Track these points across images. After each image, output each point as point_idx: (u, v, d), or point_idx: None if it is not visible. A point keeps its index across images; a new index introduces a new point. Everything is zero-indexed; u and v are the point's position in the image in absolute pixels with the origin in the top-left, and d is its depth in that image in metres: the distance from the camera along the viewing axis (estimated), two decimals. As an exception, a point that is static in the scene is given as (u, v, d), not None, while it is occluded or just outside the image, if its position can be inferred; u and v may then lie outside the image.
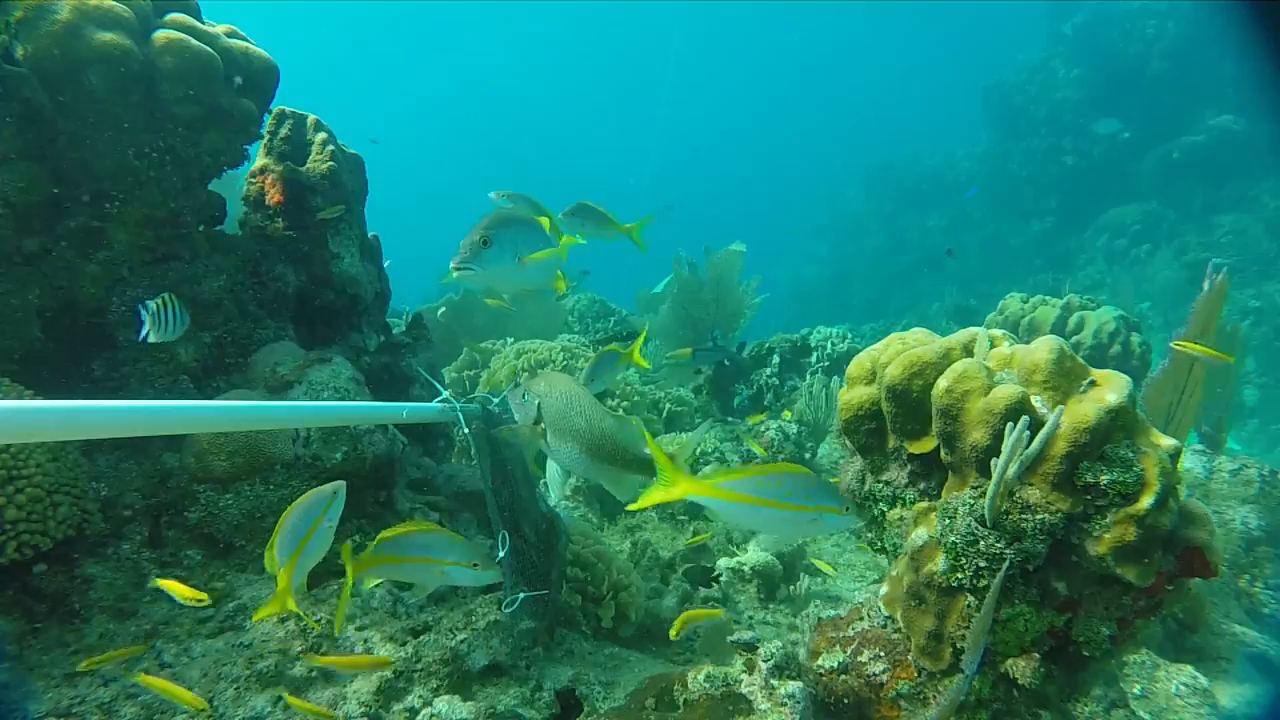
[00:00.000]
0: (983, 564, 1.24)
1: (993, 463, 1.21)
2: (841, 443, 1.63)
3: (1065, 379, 1.27)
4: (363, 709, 1.68)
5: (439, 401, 1.90)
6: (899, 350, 1.45)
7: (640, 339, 2.07)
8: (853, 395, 1.52)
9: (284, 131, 2.58)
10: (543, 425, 1.55)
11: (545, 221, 1.75)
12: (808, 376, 4.52)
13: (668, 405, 4.44)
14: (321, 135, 2.64)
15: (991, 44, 16.26)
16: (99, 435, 1.04)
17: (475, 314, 6.06)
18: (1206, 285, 2.93)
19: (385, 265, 2.92)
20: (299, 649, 1.74)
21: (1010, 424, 1.19)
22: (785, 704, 1.51)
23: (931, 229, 12.76)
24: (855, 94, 28.76)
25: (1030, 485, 1.23)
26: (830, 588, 2.94)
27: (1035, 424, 1.25)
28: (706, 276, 5.29)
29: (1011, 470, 1.18)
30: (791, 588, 2.86)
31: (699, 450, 3.74)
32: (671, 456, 1.28)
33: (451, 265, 1.60)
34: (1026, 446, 1.18)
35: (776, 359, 4.81)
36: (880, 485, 1.53)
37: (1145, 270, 8.80)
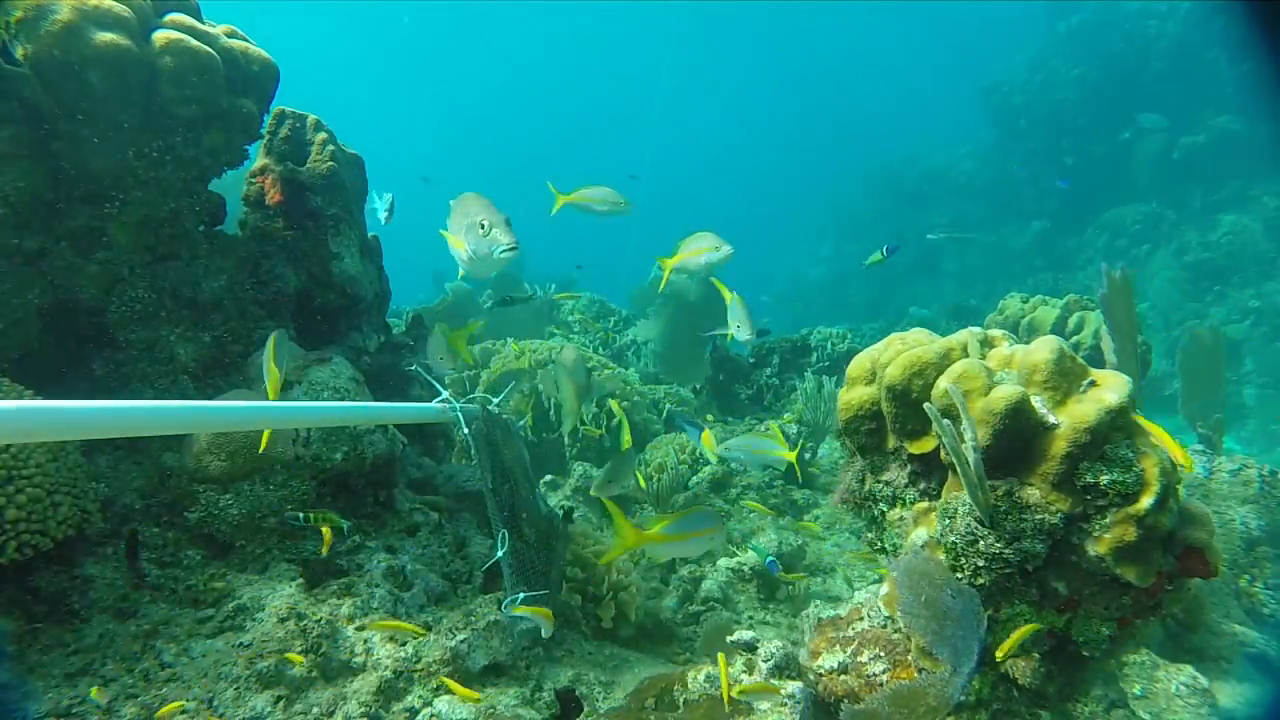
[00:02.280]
0: (981, 563, 1.24)
1: (947, 458, 1.21)
2: (842, 443, 1.63)
3: (1065, 379, 1.27)
4: (363, 709, 1.68)
5: (439, 402, 1.90)
6: (899, 350, 1.45)
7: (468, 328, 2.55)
8: (853, 395, 1.53)
9: (284, 131, 2.58)
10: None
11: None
12: (807, 376, 4.52)
13: (668, 405, 4.44)
14: (322, 135, 2.64)
15: (992, 44, 16.26)
16: (99, 435, 1.04)
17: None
18: (1105, 284, 2.98)
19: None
20: (299, 649, 1.74)
21: (932, 414, 1.19)
22: (785, 704, 1.51)
23: (932, 229, 12.75)
24: (856, 94, 28.74)
25: (1030, 485, 1.23)
26: (830, 588, 2.94)
27: (1034, 424, 1.25)
28: (695, 292, 5.32)
29: (970, 454, 1.17)
30: (791, 588, 2.86)
31: (698, 452, 3.74)
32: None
33: (508, 245, 1.61)
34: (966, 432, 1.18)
35: (776, 359, 4.81)
36: (880, 485, 1.53)
37: (1145, 270, 8.79)
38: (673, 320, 5.48)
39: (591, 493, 2.34)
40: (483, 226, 1.66)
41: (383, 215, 2.43)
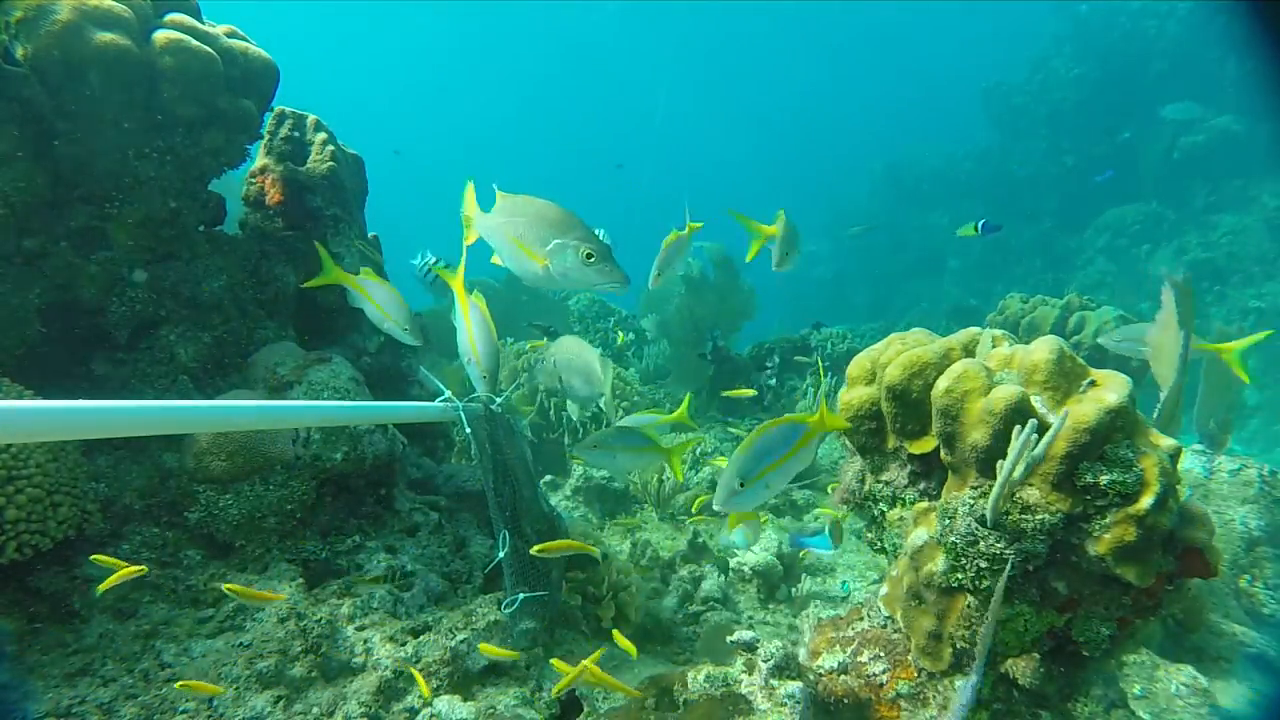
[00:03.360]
0: (983, 564, 1.24)
1: (997, 464, 1.20)
2: (841, 443, 1.63)
3: (1065, 379, 1.27)
4: (362, 709, 1.68)
5: (441, 401, 1.90)
6: (899, 350, 1.45)
7: None
8: (853, 395, 1.52)
9: (284, 131, 2.58)
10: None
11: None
12: (808, 377, 4.52)
13: (668, 405, 4.44)
14: (322, 135, 2.64)
15: (992, 44, 16.25)
16: (99, 435, 1.04)
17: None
18: (1171, 290, 2.90)
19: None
20: (299, 649, 1.74)
21: (1018, 426, 1.18)
22: (785, 704, 1.51)
23: (933, 228, 12.75)
24: (857, 94, 28.78)
25: (1030, 485, 1.23)
26: (830, 588, 2.94)
27: (1036, 425, 1.25)
28: (714, 276, 5.31)
29: (1019, 472, 1.17)
30: (792, 588, 2.86)
31: (699, 450, 3.74)
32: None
33: (620, 283, 1.52)
34: (1034, 449, 1.18)
35: (776, 359, 4.81)
36: (880, 485, 1.53)
37: (1145, 270, 8.79)
38: (677, 317, 5.46)
39: (571, 454, 2.28)
40: (590, 258, 1.51)
41: (425, 279, 2.40)
